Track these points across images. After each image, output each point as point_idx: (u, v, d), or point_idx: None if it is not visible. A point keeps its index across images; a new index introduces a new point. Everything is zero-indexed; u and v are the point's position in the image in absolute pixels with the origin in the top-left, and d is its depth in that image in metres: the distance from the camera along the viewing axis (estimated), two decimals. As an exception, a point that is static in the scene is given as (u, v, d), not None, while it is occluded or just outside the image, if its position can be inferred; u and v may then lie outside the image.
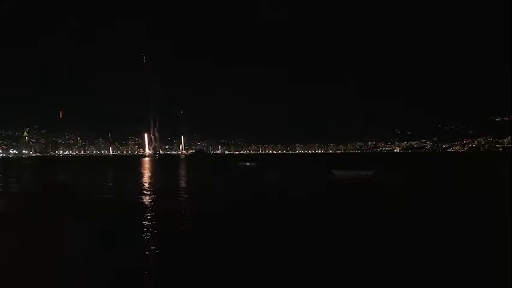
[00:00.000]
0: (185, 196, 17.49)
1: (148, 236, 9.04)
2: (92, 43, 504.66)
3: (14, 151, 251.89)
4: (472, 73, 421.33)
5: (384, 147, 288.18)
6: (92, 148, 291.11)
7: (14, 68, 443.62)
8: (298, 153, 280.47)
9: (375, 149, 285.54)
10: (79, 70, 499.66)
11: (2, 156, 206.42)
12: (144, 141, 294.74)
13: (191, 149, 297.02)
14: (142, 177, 32.30)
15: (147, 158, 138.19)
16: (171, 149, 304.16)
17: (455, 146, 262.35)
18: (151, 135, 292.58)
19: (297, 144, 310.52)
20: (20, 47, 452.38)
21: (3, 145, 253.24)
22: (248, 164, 53.09)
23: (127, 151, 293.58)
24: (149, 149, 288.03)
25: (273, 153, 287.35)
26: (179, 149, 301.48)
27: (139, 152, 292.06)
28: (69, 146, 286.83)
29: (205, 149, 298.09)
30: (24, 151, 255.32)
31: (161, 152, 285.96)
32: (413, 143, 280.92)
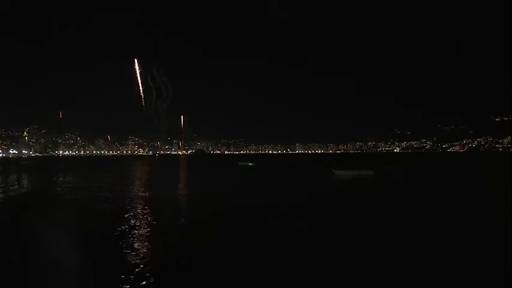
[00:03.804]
0: (183, 200, 17.36)
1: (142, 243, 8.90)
2: (92, 42, 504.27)
3: (14, 151, 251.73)
4: (472, 73, 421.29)
5: (384, 147, 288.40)
6: (92, 148, 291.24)
7: (14, 68, 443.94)
8: (298, 153, 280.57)
9: (374, 149, 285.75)
10: (79, 70, 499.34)
11: (2, 156, 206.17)
12: (144, 142, 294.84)
13: (191, 149, 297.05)
14: (140, 178, 32.19)
15: (146, 158, 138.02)
16: (171, 149, 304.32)
17: (455, 146, 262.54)
18: (151, 135, 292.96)
19: (297, 144, 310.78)
20: (20, 46, 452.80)
21: (3, 145, 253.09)
22: (250, 164, 52.90)
23: (127, 151, 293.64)
24: (149, 149, 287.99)
25: (272, 153, 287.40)
26: (179, 149, 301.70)
27: (139, 152, 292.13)
28: (69, 146, 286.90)
29: (205, 149, 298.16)
30: (24, 151, 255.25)
31: (161, 152, 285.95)
32: (413, 143, 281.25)
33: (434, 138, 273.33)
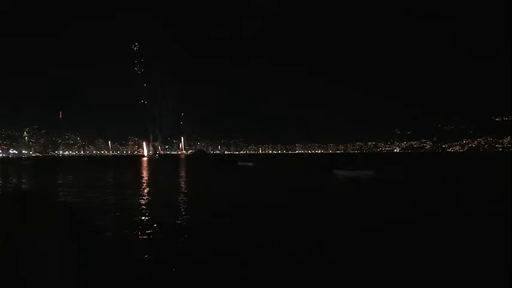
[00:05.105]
0: (183, 202, 17.36)
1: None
2: (91, 41, 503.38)
3: (14, 151, 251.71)
4: (471, 73, 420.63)
5: (383, 147, 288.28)
6: (92, 148, 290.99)
7: (14, 68, 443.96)
8: (298, 153, 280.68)
9: (374, 149, 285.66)
10: (79, 70, 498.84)
11: (2, 156, 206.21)
12: (143, 141, 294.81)
13: (191, 149, 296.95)
14: (139, 178, 32.17)
15: (145, 158, 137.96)
16: (170, 149, 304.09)
17: (455, 146, 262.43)
18: (150, 135, 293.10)
19: (297, 145, 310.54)
20: (20, 46, 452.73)
21: (3, 145, 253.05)
22: (250, 164, 52.71)
23: (126, 151, 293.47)
24: (148, 149, 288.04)
25: (272, 153, 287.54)
26: (179, 149, 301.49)
27: (139, 152, 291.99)
28: (69, 146, 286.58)
29: (205, 149, 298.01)
30: (24, 151, 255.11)
31: (161, 152, 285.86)
32: (413, 143, 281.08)
33: (434, 138, 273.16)
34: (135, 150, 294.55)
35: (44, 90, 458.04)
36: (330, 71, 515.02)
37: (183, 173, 39.10)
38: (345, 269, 6.48)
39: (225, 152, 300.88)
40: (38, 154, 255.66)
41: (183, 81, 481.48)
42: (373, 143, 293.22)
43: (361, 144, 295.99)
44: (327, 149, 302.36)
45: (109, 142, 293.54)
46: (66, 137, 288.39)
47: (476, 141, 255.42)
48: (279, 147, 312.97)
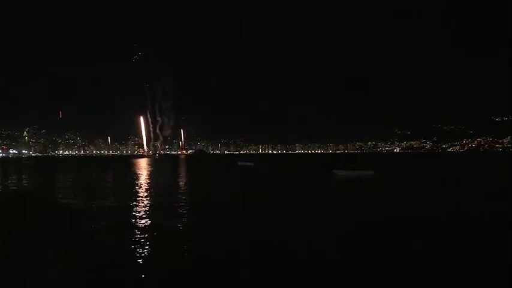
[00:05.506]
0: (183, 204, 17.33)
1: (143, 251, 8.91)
2: (91, 41, 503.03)
3: (14, 151, 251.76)
4: (471, 73, 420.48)
5: (383, 147, 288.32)
6: (92, 148, 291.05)
7: (14, 68, 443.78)
8: (298, 153, 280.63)
9: (374, 149, 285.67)
10: (79, 70, 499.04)
11: (2, 156, 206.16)
12: (143, 141, 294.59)
13: (191, 149, 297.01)
14: (139, 177, 32.12)
15: (145, 158, 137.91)
16: (170, 149, 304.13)
17: (455, 146, 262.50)
18: (150, 134, 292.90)
19: (297, 144, 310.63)
20: (20, 46, 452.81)
21: (3, 145, 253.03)
22: (250, 164, 52.67)
23: (126, 151, 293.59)
24: (148, 149, 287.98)
25: (272, 153, 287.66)
26: (179, 148, 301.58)
27: (139, 152, 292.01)
28: (69, 146, 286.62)
29: (205, 149, 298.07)
30: (24, 151, 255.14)
31: (161, 151, 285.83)
32: (413, 143, 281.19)
33: (434, 138, 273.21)
34: (135, 150, 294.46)
35: (44, 90, 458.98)
36: (330, 71, 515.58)
37: (183, 173, 39.07)
38: (345, 269, 6.48)
39: (225, 152, 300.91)
40: (38, 154, 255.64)
41: (183, 81, 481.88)
42: (373, 143, 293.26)
43: (361, 144, 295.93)
44: (327, 149, 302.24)
45: (109, 142, 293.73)
46: (66, 137, 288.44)
47: (476, 141, 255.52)
48: (279, 147, 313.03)
